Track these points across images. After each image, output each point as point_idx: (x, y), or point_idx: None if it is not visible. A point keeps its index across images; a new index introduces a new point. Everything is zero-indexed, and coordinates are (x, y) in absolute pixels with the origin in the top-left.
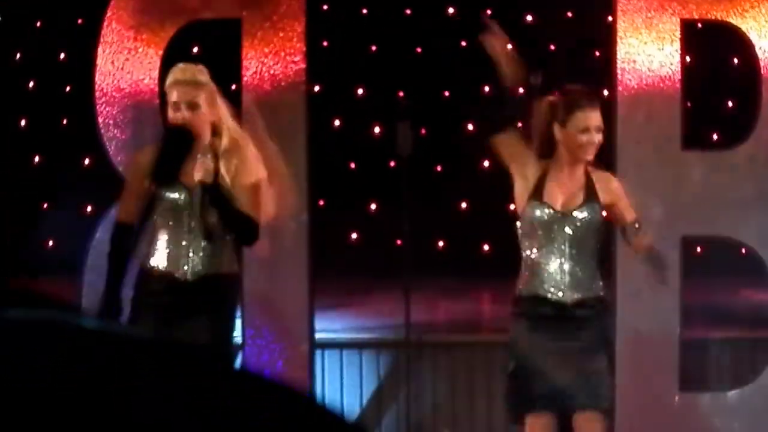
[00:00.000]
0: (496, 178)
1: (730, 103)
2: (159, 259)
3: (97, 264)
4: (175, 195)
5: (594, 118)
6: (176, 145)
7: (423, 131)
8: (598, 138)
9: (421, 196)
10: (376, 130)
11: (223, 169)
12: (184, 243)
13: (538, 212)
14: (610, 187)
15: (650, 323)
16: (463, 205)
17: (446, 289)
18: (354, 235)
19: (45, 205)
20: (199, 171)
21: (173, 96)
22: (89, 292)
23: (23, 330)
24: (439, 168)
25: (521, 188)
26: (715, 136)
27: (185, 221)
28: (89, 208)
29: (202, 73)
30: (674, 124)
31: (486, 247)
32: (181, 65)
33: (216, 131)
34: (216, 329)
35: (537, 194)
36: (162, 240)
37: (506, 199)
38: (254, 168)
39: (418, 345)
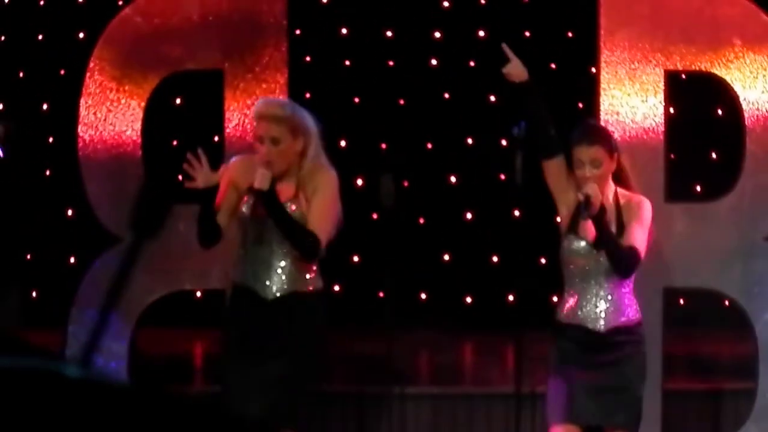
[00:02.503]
0: (478, 230)
1: (713, 155)
2: (245, 277)
3: (82, 316)
4: (248, 207)
5: (586, 152)
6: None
7: (406, 183)
8: (591, 172)
9: (403, 248)
10: (359, 182)
11: (302, 193)
12: (266, 261)
13: (573, 245)
14: (635, 210)
15: None
16: (446, 257)
17: (428, 340)
18: (336, 287)
19: (28, 257)
20: (257, 179)
21: (257, 130)
22: (72, 343)
23: (9, 378)
24: (421, 220)
25: (562, 216)
26: (698, 188)
27: (267, 239)
28: (72, 260)
29: (283, 108)
30: (657, 176)
31: (468, 299)
32: (264, 99)
33: (304, 154)
34: (296, 350)
35: (573, 226)
36: (247, 258)
37: (488, 250)
38: (327, 188)
39: (400, 397)
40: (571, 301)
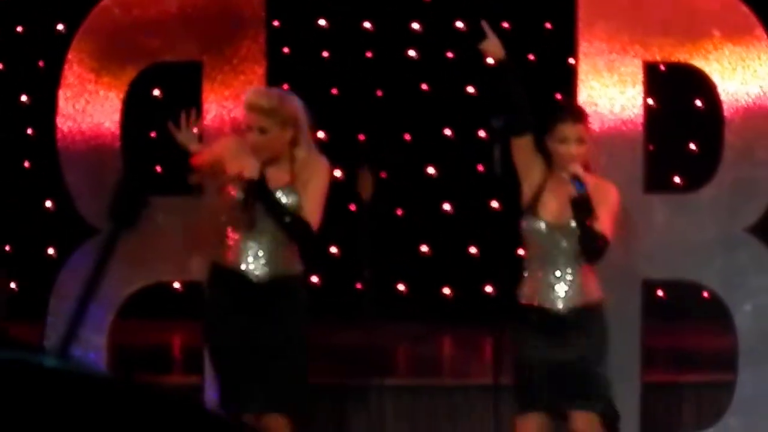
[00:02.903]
0: (457, 222)
1: (692, 146)
2: (231, 260)
3: (60, 307)
4: (240, 195)
5: (573, 129)
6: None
7: (383, 175)
8: (576, 149)
9: (381, 240)
10: (337, 173)
11: (297, 181)
12: (253, 244)
13: (532, 225)
14: (604, 196)
15: (612, 367)
16: (424, 248)
17: (407, 332)
18: (315, 279)
19: (7, 248)
20: (246, 168)
21: (247, 120)
22: (52, 335)
23: None
24: (399, 211)
25: (524, 195)
26: (677, 179)
27: (255, 223)
28: (51, 251)
29: (271, 99)
30: (637, 167)
31: (447, 291)
32: (254, 89)
33: (295, 143)
34: (283, 329)
35: (533, 207)
36: (233, 241)
37: (467, 242)
38: (319, 176)
39: (379, 388)
40: (530, 282)
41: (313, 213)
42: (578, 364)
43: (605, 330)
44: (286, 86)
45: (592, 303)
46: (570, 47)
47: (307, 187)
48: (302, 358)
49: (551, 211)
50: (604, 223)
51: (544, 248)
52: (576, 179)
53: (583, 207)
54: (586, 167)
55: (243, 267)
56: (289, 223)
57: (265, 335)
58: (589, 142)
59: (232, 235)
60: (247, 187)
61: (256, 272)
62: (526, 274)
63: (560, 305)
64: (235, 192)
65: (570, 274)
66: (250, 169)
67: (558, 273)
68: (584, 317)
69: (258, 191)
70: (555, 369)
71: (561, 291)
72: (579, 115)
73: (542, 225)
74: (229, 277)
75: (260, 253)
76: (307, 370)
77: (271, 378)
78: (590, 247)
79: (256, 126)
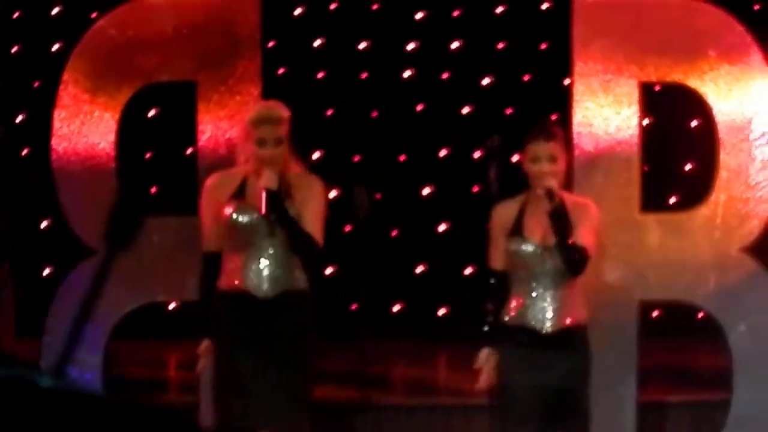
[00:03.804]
0: (452, 242)
1: (688, 166)
2: (235, 280)
3: (56, 327)
4: (246, 217)
5: (544, 148)
6: None
7: (379, 195)
8: (549, 167)
9: (377, 260)
10: (332, 194)
11: (293, 198)
12: (256, 263)
13: (517, 246)
14: (583, 212)
15: (607, 386)
16: (420, 268)
17: (403, 352)
18: None
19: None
20: (264, 179)
21: (260, 133)
22: (48, 354)
23: None
24: (395, 232)
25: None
26: (673, 199)
27: (256, 242)
28: (47, 271)
29: (282, 109)
30: (632, 187)
31: (443, 311)
32: (264, 102)
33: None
34: (292, 347)
35: (517, 229)
36: (236, 261)
37: (463, 262)
38: (320, 195)
39: (375, 408)
40: (516, 303)
41: (314, 230)
42: (563, 386)
43: (589, 351)
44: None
45: (577, 324)
46: (565, 67)
47: (307, 207)
48: (306, 375)
49: (535, 231)
50: (585, 237)
51: (530, 269)
52: (549, 193)
53: (559, 218)
54: (562, 184)
55: (248, 285)
56: (300, 236)
57: (270, 351)
58: (564, 161)
59: (234, 256)
60: (266, 197)
61: (263, 288)
62: (511, 295)
63: (546, 326)
64: (230, 212)
65: (556, 294)
66: (268, 179)
67: (543, 294)
68: (570, 338)
69: (275, 203)
70: (540, 392)
71: (547, 312)
72: (550, 134)
73: (527, 246)
74: (235, 296)
75: (265, 271)
76: (310, 388)
77: (274, 394)
78: (571, 259)
79: (272, 138)
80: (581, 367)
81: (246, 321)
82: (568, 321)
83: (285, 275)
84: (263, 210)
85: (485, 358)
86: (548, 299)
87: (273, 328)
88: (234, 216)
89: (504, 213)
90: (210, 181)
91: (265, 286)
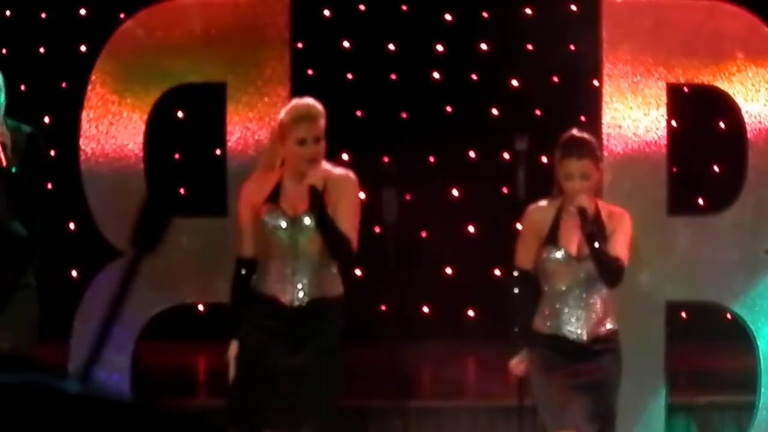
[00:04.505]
0: (481, 244)
1: (716, 168)
2: (267, 285)
3: (84, 329)
4: (281, 222)
5: (577, 166)
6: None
7: (408, 197)
8: (581, 185)
9: (406, 262)
10: (361, 195)
11: (327, 197)
12: (290, 269)
13: (551, 256)
14: (618, 223)
15: (636, 388)
16: (448, 270)
17: (431, 354)
18: None
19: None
20: (310, 177)
21: (300, 132)
22: (75, 357)
23: (8, 393)
24: (424, 234)
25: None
26: (701, 201)
27: (291, 247)
28: (74, 273)
29: (319, 106)
30: (660, 189)
31: (471, 313)
32: (299, 100)
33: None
34: (325, 351)
35: (552, 238)
36: (269, 266)
37: (491, 264)
38: (354, 194)
39: (403, 410)
40: (549, 312)
41: (350, 230)
42: (593, 390)
43: (620, 358)
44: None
45: (609, 332)
46: (594, 69)
47: (342, 206)
48: (333, 383)
49: (569, 242)
50: (619, 248)
51: (563, 278)
52: (581, 212)
53: (592, 235)
54: (597, 195)
55: (280, 292)
56: (337, 240)
57: (299, 357)
58: (598, 172)
59: (267, 261)
60: (311, 194)
61: (294, 296)
62: (544, 304)
63: (578, 336)
64: (264, 215)
65: (588, 304)
66: (313, 177)
67: (577, 303)
68: (601, 346)
69: (319, 204)
70: (576, 393)
71: (579, 321)
72: (583, 151)
73: (561, 255)
74: (266, 302)
75: (298, 278)
76: (336, 395)
77: (301, 400)
78: (607, 271)
79: (313, 136)
80: (611, 375)
81: (276, 328)
82: (600, 330)
83: (318, 282)
84: (309, 207)
85: (517, 365)
86: (581, 308)
87: (303, 335)
88: (267, 220)
89: (539, 217)
90: (246, 186)
91: (298, 293)
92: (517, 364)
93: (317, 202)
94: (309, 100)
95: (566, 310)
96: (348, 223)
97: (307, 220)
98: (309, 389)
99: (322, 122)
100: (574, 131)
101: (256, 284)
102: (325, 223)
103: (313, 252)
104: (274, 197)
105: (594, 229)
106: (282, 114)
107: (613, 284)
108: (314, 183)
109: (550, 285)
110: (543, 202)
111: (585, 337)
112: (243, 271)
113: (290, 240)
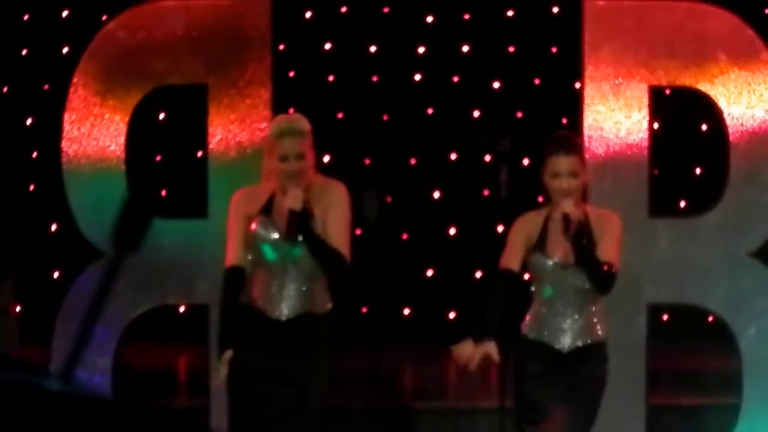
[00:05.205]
0: (462, 246)
1: (698, 170)
2: (254, 298)
3: (66, 330)
4: (272, 235)
5: (563, 163)
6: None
7: (389, 199)
8: (569, 183)
9: (387, 264)
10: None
11: (316, 207)
12: (277, 282)
13: (540, 262)
14: (606, 225)
15: (616, 389)
16: (429, 272)
17: (412, 356)
18: None
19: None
20: (290, 199)
21: (283, 148)
22: (57, 358)
23: None
24: (405, 235)
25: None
26: (683, 203)
27: (280, 261)
28: (56, 274)
29: (303, 122)
30: (642, 191)
31: (452, 315)
32: (284, 116)
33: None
34: (309, 367)
35: (540, 245)
36: (257, 278)
37: (472, 266)
38: (344, 203)
39: (384, 412)
40: (537, 319)
41: (342, 244)
42: (576, 395)
43: (606, 371)
44: (291, 110)
45: (595, 343)
46: (576, 71)
47: (332, 216)
48: (319, 395)
49: (556, 249)
50: (609, 251)
51: (551, 285)
52: (566, 219)
53: (578, 243)
54: (584, 198)
55: (268, 305)
56: (327, 255)
57: (286, 370)
58: (584, 174)
59: (257, 273)
60: (290, 218)
61: (281, 310)
62: (532, 308)
63: (563, 344)
64: (256, 228)
65: (576, 313)
66: (293, 199)
67: (564, 311)
68: (587, 357)
69: (300, 223)
70: (556, 399)
71: (566, 329)
72: (571, 148)
73: (549, 263)
74: (254, 314)
75: (286, 292)
76: (320, 409)
77: (285, 413)
78: (596, 278)
79: (294, 152)
80: (596, 385)
81: (262, 341)
82: (587, 339)
83: (306, 297)
84: (287, 232)
85: (468, 354)
86: (569, 316)
87: (288, 350)
88: (259, 232)
89: (528, 225)
90: (238, 196)
91: (285, 308)
92: (462, 352)
93: (295, 229)
94: (294, 116)
95: (553, 317)
96: (339, 235)
97: (298, 238)
98: (294, 405)
99: (306, 138)
100: (561, 131)
101: (245, 295)
102: (313, 242)
103: (303, 267)
104: (267, 209)
105: (580, 237)
106: (270, 127)
107: (603, 290)
108: (293, 207)
109: (538, 291)
110: (531, 213)
111: (569, 346)
112: (232, 281)
113: (280, 254)
